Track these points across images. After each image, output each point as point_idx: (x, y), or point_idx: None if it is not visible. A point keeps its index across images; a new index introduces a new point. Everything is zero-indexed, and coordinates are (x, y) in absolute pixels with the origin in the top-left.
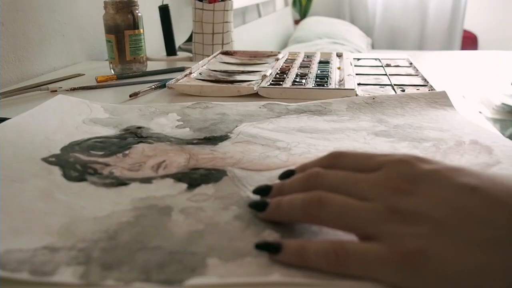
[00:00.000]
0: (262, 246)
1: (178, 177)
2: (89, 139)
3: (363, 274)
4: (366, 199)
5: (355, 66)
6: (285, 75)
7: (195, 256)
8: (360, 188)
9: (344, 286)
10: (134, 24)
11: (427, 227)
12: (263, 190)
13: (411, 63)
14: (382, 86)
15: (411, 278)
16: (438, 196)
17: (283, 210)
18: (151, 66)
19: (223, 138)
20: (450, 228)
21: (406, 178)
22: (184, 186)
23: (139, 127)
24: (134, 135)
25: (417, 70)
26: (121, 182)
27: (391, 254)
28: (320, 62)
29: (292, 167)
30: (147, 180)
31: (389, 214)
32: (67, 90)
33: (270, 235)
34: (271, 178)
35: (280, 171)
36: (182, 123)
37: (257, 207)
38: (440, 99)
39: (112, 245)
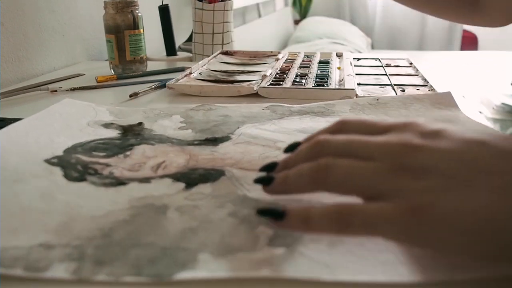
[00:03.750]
0: (265, 212)
1: (177, 177)
2: (92, 140)
3: (368, 232)
4: (374, 159)
5: (355, 66)
6: (285, 75)
7: (187, 252)
8: (367, 149)
9: (332, 280)
10: (134, 24)
11: (436, 180)
12: (269, 167)
13: (411, 63)
14: (382, 86)
15: (418, 232)
16: (447, 151)
17: (290, 181)
18: (151, 66)
19: (224, 139)
20: (459, 180)
21: (415, 135)
22: (182, 185)
23: (140, 123)
24: (136, 136)
25: (417, 70)
26: (120, 182)
27: (398, 210)
28: (320, 62)
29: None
30: (146, 180)
31: (397, 172)
32: (67, 90)
33: (264, 232)
34: None
35: None
36: (184, 125)
37: (263, 181)
38: (445, 100)
39: (106, 242)
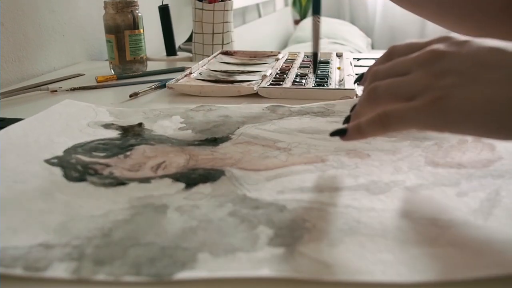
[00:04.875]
0: (335, 133)
1: (177, 177)
2: (93, 141)
3: (403, 125)
4: (410, 72)
5: (355, 66)
6: (285, 75)
7: (186, 251)
8: (405, 66)
9: (332, 280)
10: (134, 24)
11: (453, 78)
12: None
13: None
14: None
15: (438, 118)
16: (465, 55)
17: (354, 113)
18: (151, 66)
19: (224, 139)
20: (470, 77)
21: (445, 44)
22: (182, 185)
23: (140, 123)
24: (137, 137)
25: None
26: (120, 182)
27: (423, 103)
28: (320, 62)
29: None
30: (146, 180)
31: (426, 76)
32: (67, 90)
33: (263, 232)
34: (268, 177)
35: (279, 171)
36: (185, 125)
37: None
38: None
39: (106, 242)
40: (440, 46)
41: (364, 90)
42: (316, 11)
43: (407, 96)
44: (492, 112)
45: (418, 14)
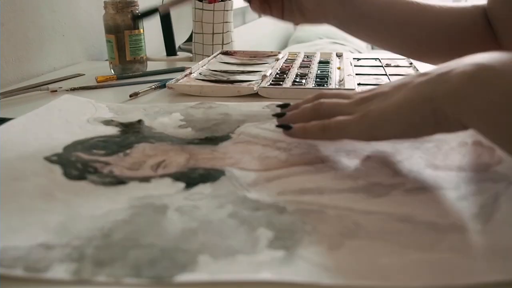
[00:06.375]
0: (281, 126)
1: (177, 176)
2: (92, 138)
3: (340, 135)
4: (349, 98)
5: (355, 66)
6: (285, 75)
7: (186, 253)
8: (347, 95)
9: (332, 284)
10: (134, 24)
11: (377, 99)
12: (281, 113)
13: (411, 63)
14: None
15: (367, 130)
16: (388, 84)
17: (298, 116)
18: (151, 66)
19: (224, 138)
20: (387, 96)
21: (376, 87)
22: (182, 185)
23: (139, 120)
24: (137, 134)
25: (417, 70)
26: (120, 181)
27: (355, 117)
28: (320, 62)
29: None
30: (145, 179)
31: (360, 101)
32: (67, 90)
33: (263, 234)
34: (269, 178)
35: (279, 172)
36: (184, 123)
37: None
38: None
39: (106, 243)
40: (371, 90)
41: (308, 101)
42: None
43: (346, 113)
44: (400, 112)
45: (365, 41)
